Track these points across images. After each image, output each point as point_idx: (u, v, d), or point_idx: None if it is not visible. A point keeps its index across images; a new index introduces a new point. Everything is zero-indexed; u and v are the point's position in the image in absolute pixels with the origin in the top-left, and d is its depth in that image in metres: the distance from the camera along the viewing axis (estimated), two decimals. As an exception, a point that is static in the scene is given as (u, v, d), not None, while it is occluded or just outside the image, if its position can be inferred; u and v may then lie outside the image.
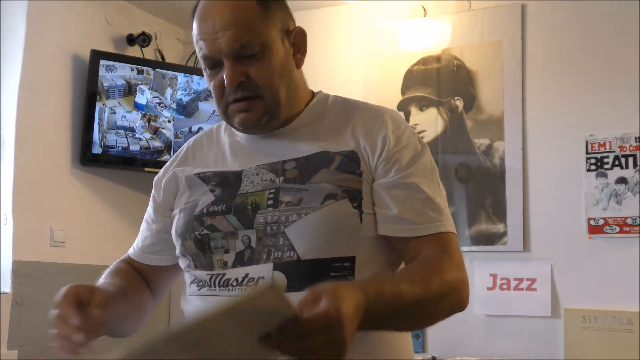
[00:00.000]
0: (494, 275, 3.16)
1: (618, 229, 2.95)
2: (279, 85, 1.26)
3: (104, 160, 3.32)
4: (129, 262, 1.43)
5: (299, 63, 1.31)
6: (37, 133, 3.07)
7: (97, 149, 3.28)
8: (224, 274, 1.22)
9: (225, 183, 1.30)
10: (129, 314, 1.29)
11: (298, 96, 1.32)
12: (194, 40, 1.27)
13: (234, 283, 1.21)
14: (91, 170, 3.32)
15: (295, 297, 1.14)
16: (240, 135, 1.36)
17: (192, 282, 1.27)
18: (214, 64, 1.25)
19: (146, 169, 3.41)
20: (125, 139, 3.36)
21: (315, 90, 1.40)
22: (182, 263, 1.32)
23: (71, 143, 3.24)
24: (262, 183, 1.25)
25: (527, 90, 3.21)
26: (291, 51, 1.29)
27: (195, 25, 1.26)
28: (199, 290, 1.25)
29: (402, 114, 3.40)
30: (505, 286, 3.14)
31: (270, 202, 1.22)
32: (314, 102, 1.35)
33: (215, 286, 1.23)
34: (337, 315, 0.89)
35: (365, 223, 1.21)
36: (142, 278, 1.40)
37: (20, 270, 2.89)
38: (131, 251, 1.44)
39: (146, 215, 1.44)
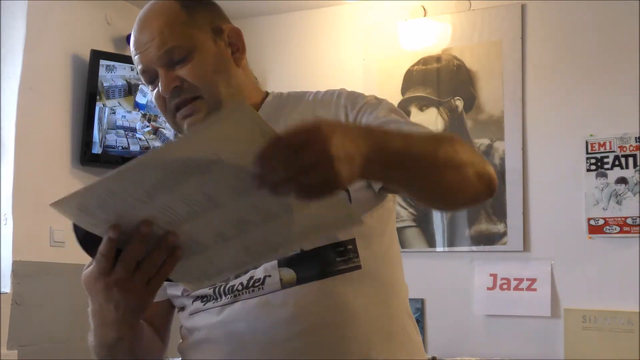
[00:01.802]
0: (494, 275, 3.16)
1: (618, 229, 2.95)
2: (217, 82, 1.25)
3: (104, 160, 3.32)
4: None
5: (238, 61, 1.30)
6: (37, 133, 3.07)
7: (97, 149, 3.27)
8: (227, 283, 1.21)
9: None
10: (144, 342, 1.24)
11: (244, 95, 1.30)
12: (133, 59, 1.28)
13: (240, 287, 1.19)
14: (91, 170, 3.32)
15: (307, 289, 1.15)
16: None
17: (194, 300, 1.25)
18: (151, 78, 1.25)
19: (146, 169, 3.41)
20: (125, 139, 3.36)
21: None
22: (176, 289, 1.28)
23: (71, 143, 3.24)
24: None
25: (527, 90, 3.21)
26: (228, 51, 1.29)
27: (131, 44, 1.28)
28: (204, 305, 1.23)
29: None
30: (505, 286, 3.14)
31: None
32: (270, 99, 1.34)
33: (220, 296, 1.21)
34: (317, 125, 0.81)
35: (354, 201, 1.19)
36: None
37: (20, 270, 2.89)
38: None
39: None
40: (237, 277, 1.20)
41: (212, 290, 1.22)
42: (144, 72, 1.26)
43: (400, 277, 1.30)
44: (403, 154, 0.95)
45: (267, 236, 0.95)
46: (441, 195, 1.09)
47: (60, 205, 0.90)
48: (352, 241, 1.20)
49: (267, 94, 1.36)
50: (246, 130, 0.80)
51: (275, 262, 1.17)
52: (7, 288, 2.85)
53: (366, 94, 1.32)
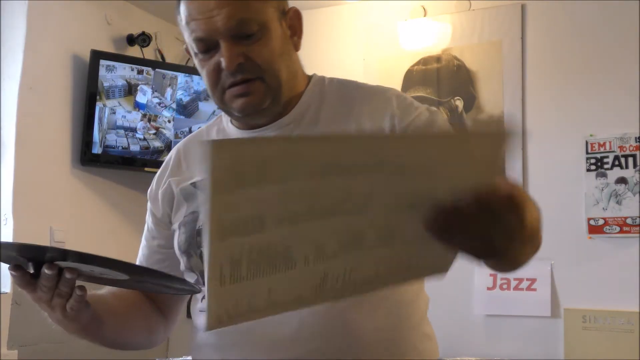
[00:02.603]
0: (494, 275, 3.16)
1: (618, 229, 2.95)
2: (280, 66, 1.17)
3: (104, 160, 3.32)
4: None
5: (296, 45, 1.24)
6: (37, 133, 3.07)
7: (97, 149, 3.28)
8: None
9: None
10: (119, 318, 1.23)
11: (297, 81, 1.24)
12: (183, 23, 1.17)
13: None
14: (91, 170, 3.32)
15: (313, 308, 1.05)
16: (235, 135, 1.27)
17: (202, 298, 1.21)
18: (208, 47, 1.15)
19: (146, 169, 3.41)
20: (125, 139, 3.36)
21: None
22: (190, 278, 1.23)
23: (71, 143, 3.24)
24: None
25: (527, 90, 3.21)
26: (288, 33, 1.22)
27: (183, 7, 1.16)
28: None
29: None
30: (505, 286, 3.14)
31: None
32: (311, 86, 1.26)
33: None
34: (513, 194, 0.75)
35: None
36: (149, 300, 1.32)
37: (20, 270, 2.89)
38: None
39: (145, 232, 1.35)
40: None
41: None
42: (201, 40, 1.14)
43: (419, 291, 1.22)
44: (520, 228, 0.85)
45: (375, 266, 0.81)
46: (512, 265, 1.01)
47: (219, 147, 0.66)
48: None
49: (309, 78, 1.29)
50: (484, 158, 0.68)
51: None
52: (7, 288, 2.85)
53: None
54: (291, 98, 1.22)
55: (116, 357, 3.20)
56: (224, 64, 1.13)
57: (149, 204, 1.35)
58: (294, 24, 1.23)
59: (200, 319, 1.23)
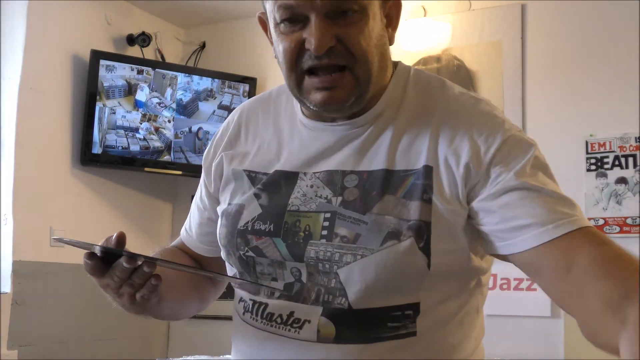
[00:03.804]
0: (494, 275, 3.16)
1: (618, 229, 2.95)
2: (374, 58, 1.03)
3: (104, 160, 3.32)
4: (182, 249, 1.29)
5: (391, 39, 1.09)
6: (37, 133, 3.07)
7: (97, 149, 3.28)
8: (267, 305, 1.08)
9: (274, 185, 1.11)
10: (183, 291, 1.20)
11: (385, 76, 1.10)
12: None
13: (278, 320, 1.06)
14: (91, 170, 3.33)
15: (344, 351, 1.00)
16: (303, 120, 1.14)
17: (240, 300, 1.15)
18: (293, 19, 1.00)
19: (146, 169, 3.41)
20: (125, 139, 3.36)
21: None
22: (229, 270, 1.17)
23: (71, 143, 3.25)
24: (317, 200, 1.06)
25: (527, 90, 3.21)
26: (384, 22, 1.07)
27: None
28: (243, 314, 1.13)
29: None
30: (505, 286, 3.14)
31: (324, 232, 1.03)
32: (393, 83, 1.11)
33: (258, 316, 1.09)
34: None
35: (434, 268, 1.00)
36: (199, 264, 1.28)
37: (20, 270, 2.89)
38: (184, 235, 1.29)
39: (197, 198, 1.27)
40: (280, 298, 1.07)
41: (252, 302, 1.11)
42: (288, 8, 1.00)
43: (469, 334, 1.09)
44: None
45: None
46: None
47: None
48: (416, 306, 1.02)
49: (394, 67, 1.15)
50: None
51: (320, 309, 1.03)
52: (7, 288, 2.85)
53: None
54: (375, 93, 1.09)
55: (116, 357, 3.20)
56: (312, 44, 0.99)
57: (202, 173, 1.24)
58: (391, 14, 1.09)
59: (235, 322, 1.18)
